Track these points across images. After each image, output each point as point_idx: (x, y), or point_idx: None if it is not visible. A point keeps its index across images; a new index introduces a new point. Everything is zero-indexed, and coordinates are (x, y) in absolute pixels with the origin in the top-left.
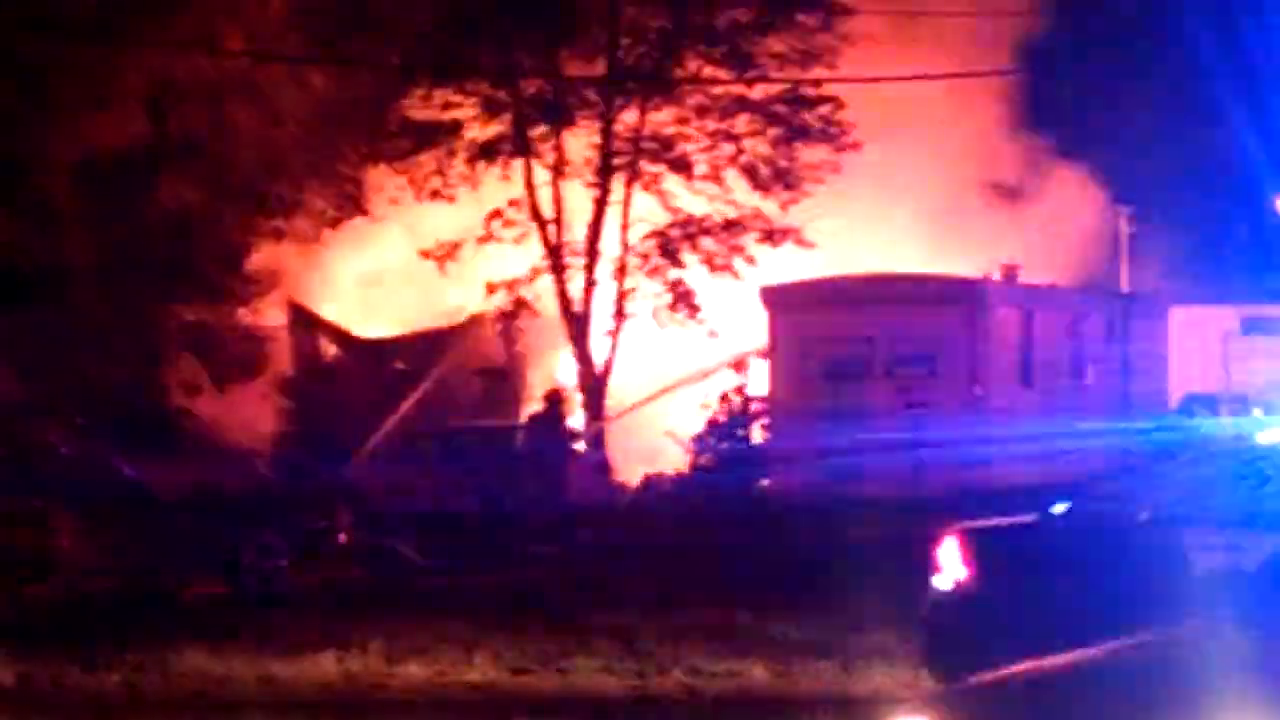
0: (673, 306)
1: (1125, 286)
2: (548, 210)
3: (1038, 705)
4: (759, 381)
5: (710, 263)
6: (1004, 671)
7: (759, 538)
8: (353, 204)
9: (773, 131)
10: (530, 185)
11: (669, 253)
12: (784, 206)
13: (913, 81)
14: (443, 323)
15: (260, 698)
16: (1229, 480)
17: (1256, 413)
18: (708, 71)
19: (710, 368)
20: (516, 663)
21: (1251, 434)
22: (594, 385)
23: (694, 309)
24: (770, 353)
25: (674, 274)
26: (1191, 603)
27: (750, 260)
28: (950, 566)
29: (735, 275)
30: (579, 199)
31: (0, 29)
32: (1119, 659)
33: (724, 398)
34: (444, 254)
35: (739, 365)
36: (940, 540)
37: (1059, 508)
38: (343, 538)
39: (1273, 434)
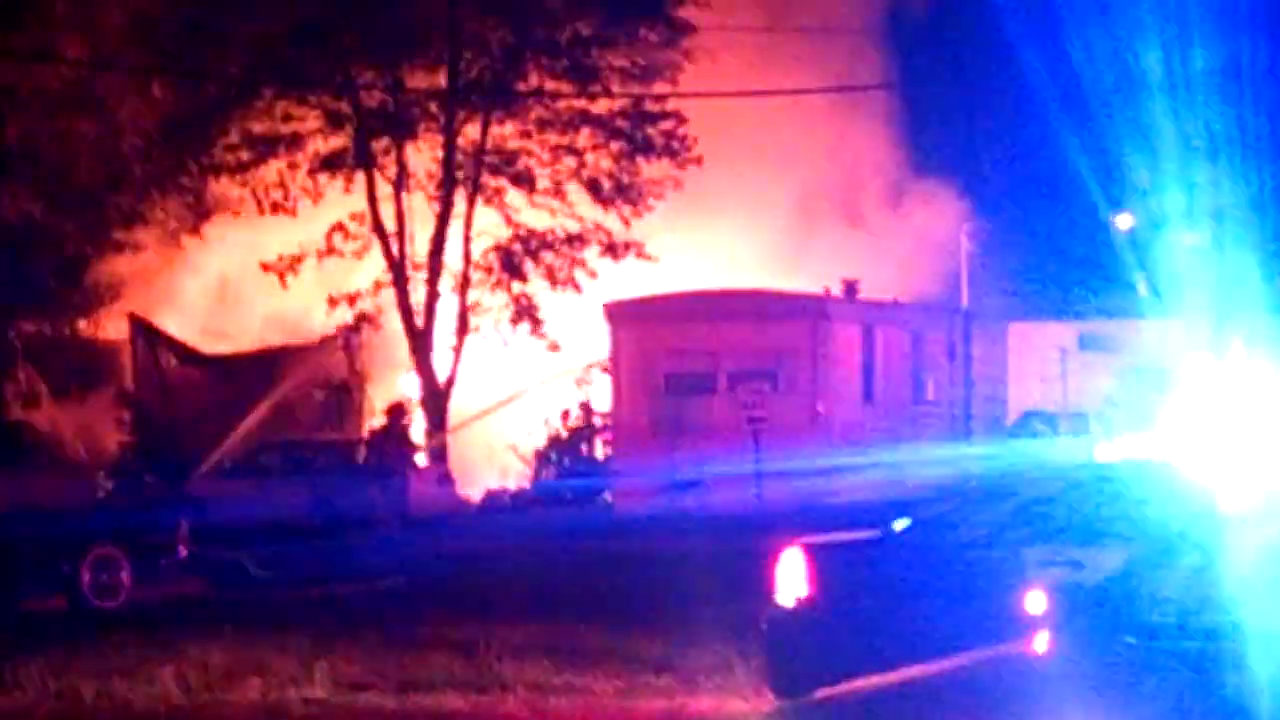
0: (515, 320)
1: (966, 303)
2: (390, 223)
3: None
4: (601, 396)
5: (552, 276)
6: (842, 687)
7: (601, 552)
8: (195, 216)
9: (615, 146)
10: (372, 198)
11: (511, 266)
12: (626, 221)
13: (756, 97)
14: (285, 337)
15: (100, 714)
16: (1069, 497)
17: (1093, 427)
18: (550, 85)
19: (546, 380)
20: (357, 678)
21: (1089, 451)
22: (436, 399)
23: (537, 322)
24: (613, 368)
25: (517, 288)
26: (1031, 621)
27: (593, 274)
28: (790, 581)
29: (577, 289)
30: (421, 212)
31: None
32: (956, 676)
33: (565, 414)
34: (285, 267)
35: (579, 381)
36: (780, 554)
37: (900, 524)
38: (183, 551)
39: (1109, 450)
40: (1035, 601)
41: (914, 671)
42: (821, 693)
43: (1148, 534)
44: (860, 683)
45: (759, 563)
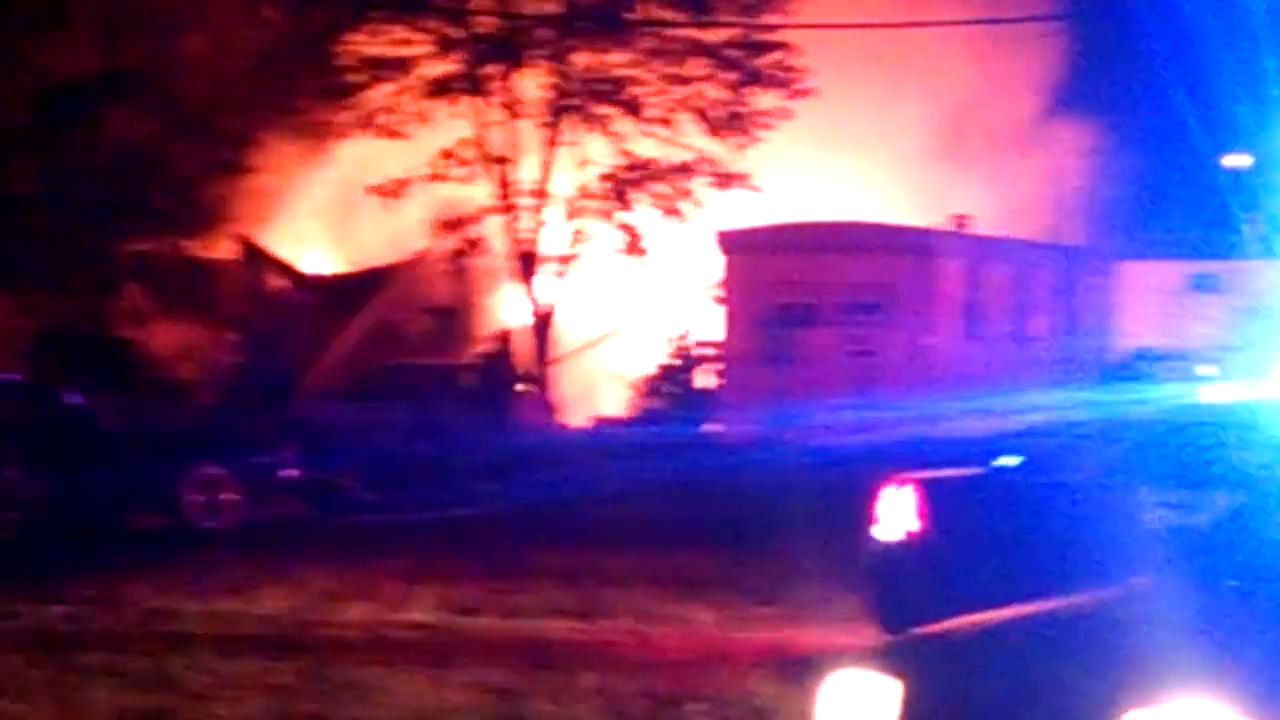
0: (623, 249)
1: (1077, 240)
2: (499, 150)
3: (982, 658)
4: (707, 327)
5: (660, 206)
6: (948, 624)
7: (707, 483)
8: (305, 138)
9: (725, 76)
10: (482, 124)
11: (619, 195)
12: (737, 150)
13: (871, 29)
14: (392, 259)
15: (204, 631)
16: (1177, 438)
17: (1204, 369)
18: (661, 14)
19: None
20: (460, 603)
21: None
22: (542, 326)
23: (642, 251)
24: (725, 295)
25: (623, 216)
26: (1141, 561)
27: (699, 204)
28: (894, 516)
29: (683, 219)
30: (530, 139)
31: None
32: (1066, 614)
33: (675, 340)
34: (393, 190)
35: (686, 310)
36: (884, 489)
37: (1006, 461)
38: (289, 472)
39: (1218, 392)
40: (1141, 543)
41: (1020, 609)
42: (924, 629)
43: (1257, 477)
44: (963, 620)
45: (864, 497)
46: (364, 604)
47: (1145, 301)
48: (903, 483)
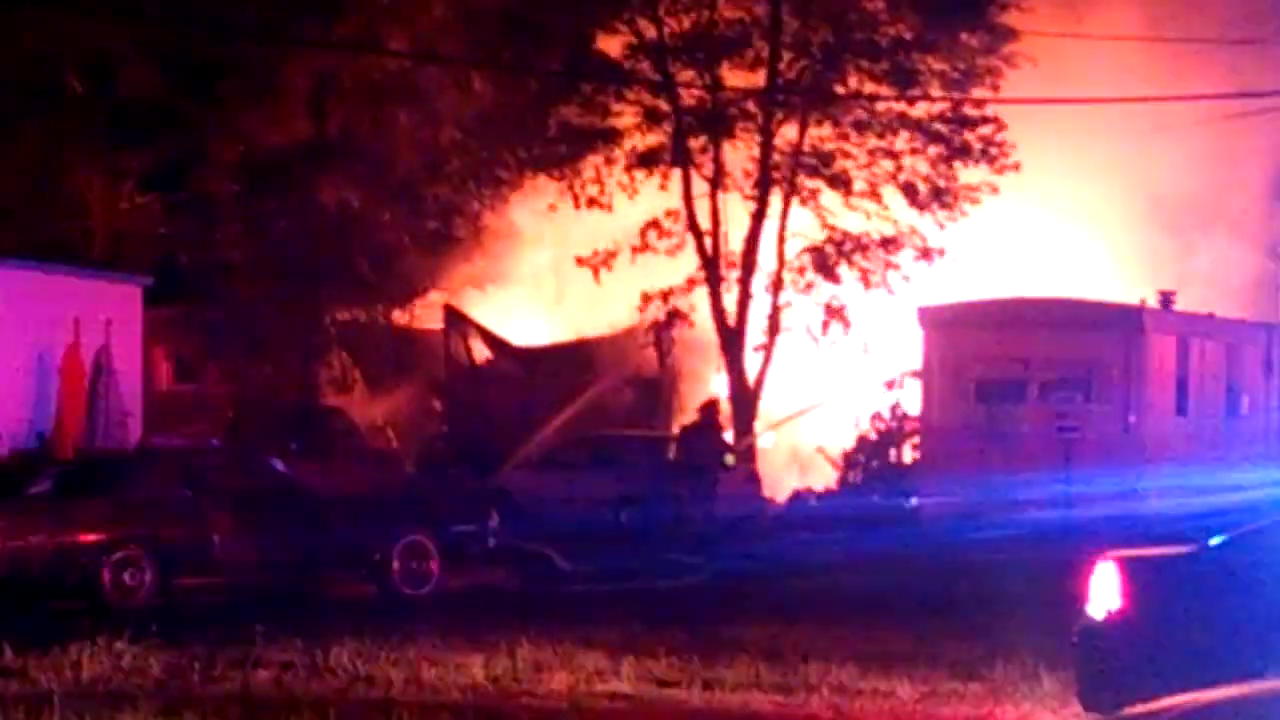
0: (826, 322)
1: None
2: (704, 222)
3: None
4: (911, 401)
5: (865, 279)
6: (1159, 704)
7: (909, 558)
8: (510, 209)
9: (932, 150)
10: (688, 196)
11: (824, 268)
12: (941, 225)
13: (1072, 104)
14: (597, 332)
15: (407, 698)
16: None
17: None
18: (869, 88)
19: (857, 383)
20: (661, 674)
21: None
22: (746, 399)
23: (847, 324)
24: (924, 372)
25: (828, 289)
26: None
27: (906, 278)
28: (1104, 594)
29: (890, 291)
30: (736, 212)
31: (169, 28)
32: (1270, 698)
33: (876, 416)
34: (600, 261)
35: (890, 384)
36: (1094, 566)
37: (1216, 540)
38: (492, 542)
39: None
40: None
41: (1227, 692)
42: (1131, 709)
43: None
44: (1174, 700)
45: (1071, 574)
46: (565, 673)
47: None
48: (1109, 560)
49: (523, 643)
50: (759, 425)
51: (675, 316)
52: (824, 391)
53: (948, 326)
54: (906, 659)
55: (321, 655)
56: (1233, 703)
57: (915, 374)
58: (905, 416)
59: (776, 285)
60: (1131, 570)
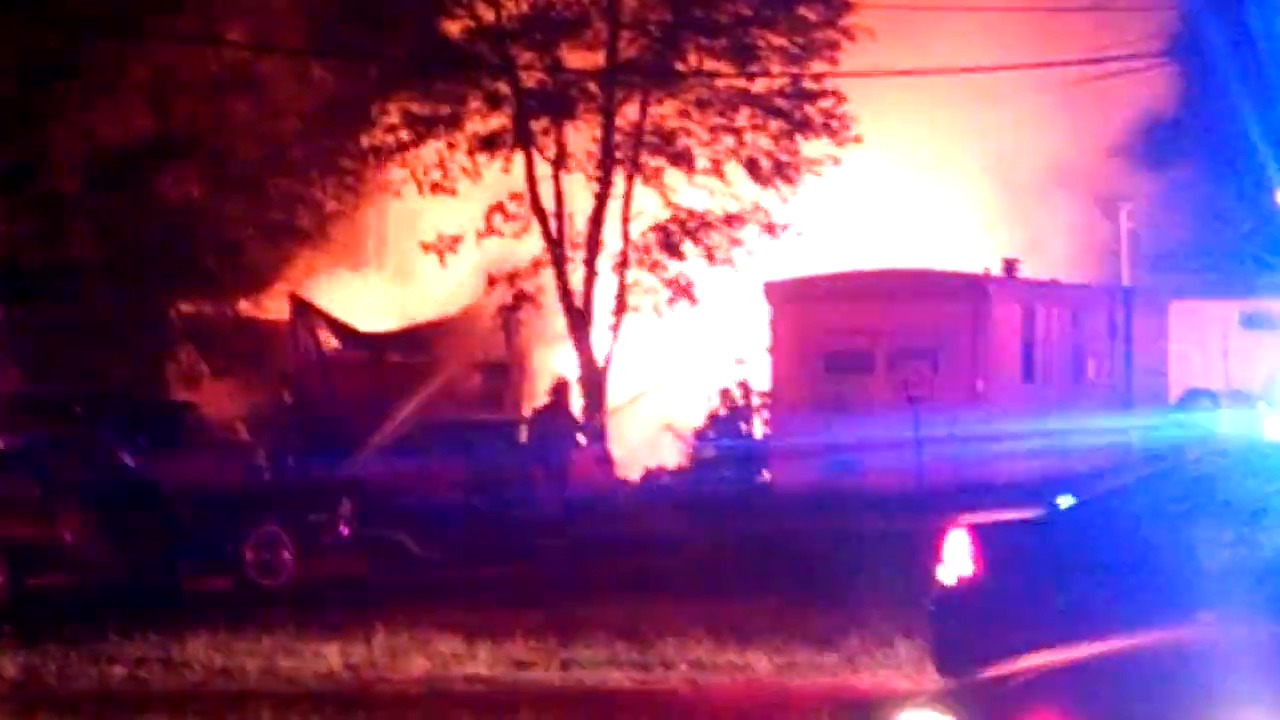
0: (673, 299)
1: (1125, 282)
2: (549, 203)
3: (1049, 699)
4: (759, 375)
5: (711, 256)
6: (1013, 665)
7: (762, 531)
8: (354, 197)
9: (774, 125)
10: (532, 178)
11: (670, 246)
12: (784, 200)
13: (914, 75)
14: (441, 315)
15: (264, 689)
16: (1236, 475)
17: (1260, 407)
18: (709, 65)
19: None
20: (519, 656)
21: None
22: (595, 378)
23: (693, 300)
24: (772, 346)
25: (674, 267)
26: (1201, 599)
27: (750, 254)
28: (956, 560)
29: (734, 268)
30: (580, 192)
31: (5, 26)
32: (1129, 654)
33: (724, 392)
34: (445, 246)
35: (737, 360)
36: (946, 534)
37: (1064, 502)
38: (345, 530)
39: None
40: (1199, 581)
41: (1084, 649)
42: (990, 671)
43: None
44: (1028, 661)
45: (923, 542)
46: (422, 659)
47: (1197, 340)
48: (960, 527)
49: (378, 629)
50: (609, 405)
51: (522, 299)
52: (671, 370)
53: (794, 301)
54: (764, 633)
55: (177, 649)
56: (1079, 664)
57: (767, 349)
58: (753, 392)
59: (622, 264)
60: (983, 536)
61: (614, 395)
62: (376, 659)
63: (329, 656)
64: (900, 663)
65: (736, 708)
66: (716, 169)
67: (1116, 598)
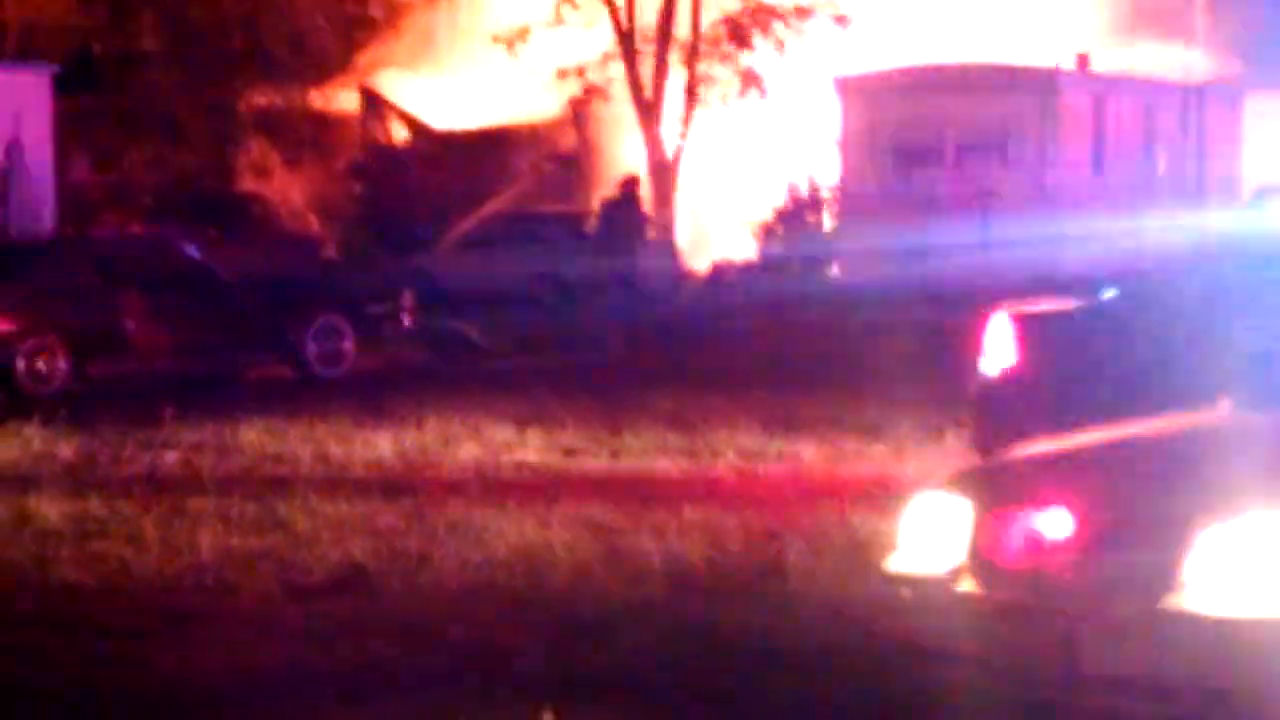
0: (743, 91)
1: (1202, 74)
2: None
3: (1051, 479)
4: (829, 170)
5: (780, 47)
6: (1029, 450)
7: (824, 325)
8: None
9: None
10: None
11: (739, 37)
12: None
13: None
14: (514, 110)
15: (313, 474)
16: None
17: None
18: None
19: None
20: (568, 443)
21: None
22: (664, 172)
23: (763, 91)
24: (841, 140)
25: (745, 59)
26: (1226, 385)
27: (820, 47)
28: (996, 349)
29: (804, 61)
30: None
31: None
32: (1146, 436)
33: (793, 186)
34: (514, 37)
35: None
36: (987, 323)
37: (1109, 293)
38: (407, 320)
39: None
40: (1238, 368)
41: (1099, 433)
42: (1004, 455)
43: None
44: (1046, 443)
45: (972, 333)
46: (472, 447)
47: (1273, 135)
48: (1002, 314)
49: (431, 418)
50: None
51: (591, 92)
52: (741, 164)
53: (864, 95)
54: (815, 424)
55: (231, 436)
56: (1099, 443)
57: (837, 144)
58: (821, 187)
59: (692, 56)
60: (1024, 325)
61: (684, 189)
62: (426, 446)
63: (380, 443)
64: (948, 452)
65: (780, 493)
66: None
67: (1150, 386)
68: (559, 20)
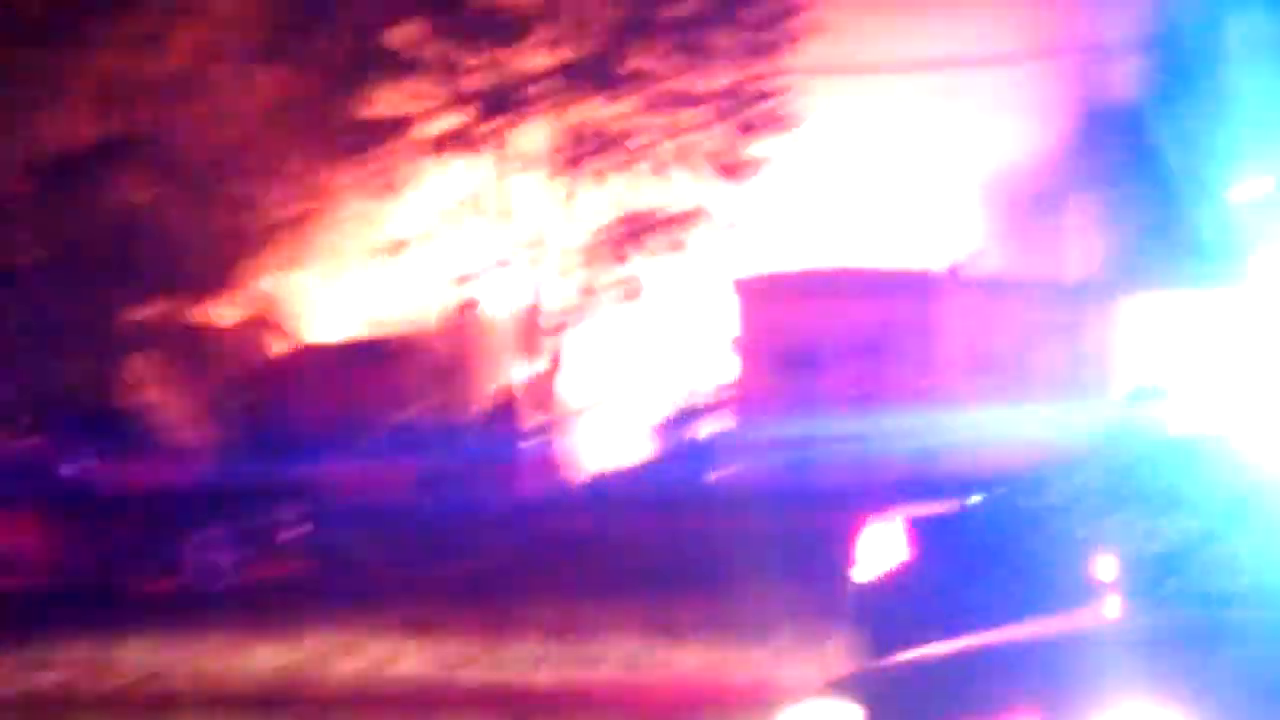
0: (626, 299)
1: (1075, 276)
2: (501, 205)
3: (942, 683)
4: (715, 373)
5: (661, 255)
6: (913, 652)
7: (706, 529)
8: (305, 201)
9: (724, 123)
10: (483, 180)
11: (621, 246)
12: (735, 197)
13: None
14: (396, 321)
15: (191, 693)
16: (1144, 466)
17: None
18: (658, 65)
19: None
20: (450, 656)
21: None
22: (546, 381)
23: (644, 301)
24: (736, 343)
25: (626, 268)
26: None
27: (701, 253)
28: (871, 553)
29: (686, 267)
30: (531, 194)
31: None
32: (1025, 639)
33: (677, 391)
34: (395, 250)
35: (692, 359)
36: (861, 528)
37: (979, 496)
38: (291, 532)
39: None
40: (1109, 569)
41: (981, 636)
42: (887, 660)
43: (1220, 501)
44: (930, 648)
45: (850, 537)
46: (355, 660)
47: (1145, 334)
48: (879, 520)
49: (312, 632)
50: (559, 406)
51: (475, 301)
52: (627, 373)
53: (759, 296)
54: (697, 629)
55: (109, 654)
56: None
57: (727, 347)
58: (706, 391)
59: (574, 265)
60: (900, 529)
61: (566, 396)
62: (307, 662)
63: (260, 659)
64: (830, 657)
65: (661, 704)
66: (669, 168)
67: (1026, 589)
68: (442, 234)
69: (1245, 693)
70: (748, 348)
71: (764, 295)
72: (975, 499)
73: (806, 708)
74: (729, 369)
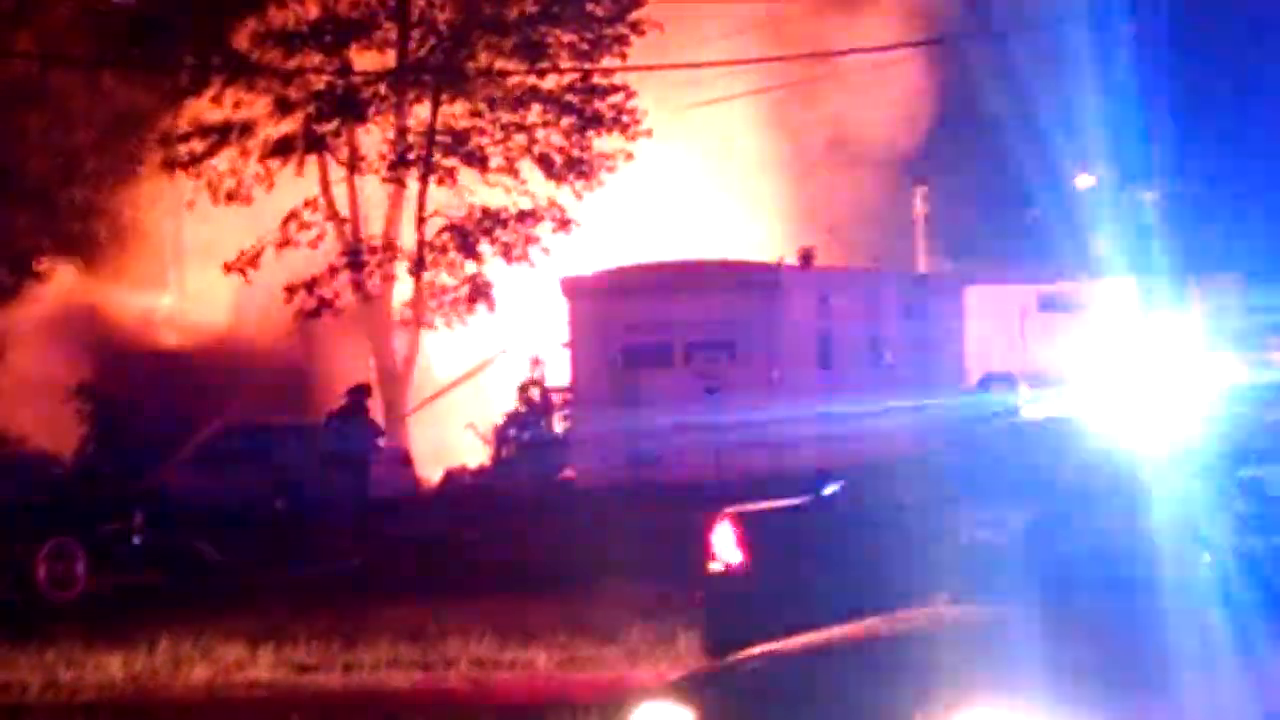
0: (471, 299)
1: (921, 267)
2: (344, 207)
3: (775, 682)
4: (560, 372)
5: (507, 254)
6: (748, 652)
7: (556, 528)
8: (148, 208)
9: (565, 121)
10: (325, 183)
11: (466, 246)
12: (579, 195)
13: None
14: (245, 324)
15: (44, 703)
16: (989, 456)
17: (1023, 388)
18: (499, 63)
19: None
20: (301, 660)
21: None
22: (395, 381)
23: (490, 303)
24: (571, 342)
25: (471, 267)
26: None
27: (546, 250)
28: (721, 549)
29: (531, 265)
30: (376, 195)
31: None
32: (863, 635)
33: (524, 389)
34: (246, 263)
35: (536, 359)
36: (712, 525)
37: (829, 489)
38: (138, 540)
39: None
40: (957, 559)
41: (817, 634)
42: (728, 659)
43: (1067, 489)
44: (764, 647)
45: (699, 534)
46: (204, 667)
47: (994, 324)
48: (725, 517)
49: (163, 638)
50: (409, 406)
51: (322, 304)
52: (472, 368)
53: (591, 296)
54: (548, 629)
55: None
56: (816, 645)
57: (565, 345)
58: (553, 389)
59: (419, 266)
60: (744, 525)
61: (414, 396)
62: (158, 668)
63: (111, 667)
64: (681, 655)
65: (513, 704)
66: (510, 167)
67: (874, 581)
68: (286, 239)
69: (1090, 685)
70: (579, 346)
71: (596, 293)
72: (824, 492)
73: (640, 712)
74: (566, 367)
